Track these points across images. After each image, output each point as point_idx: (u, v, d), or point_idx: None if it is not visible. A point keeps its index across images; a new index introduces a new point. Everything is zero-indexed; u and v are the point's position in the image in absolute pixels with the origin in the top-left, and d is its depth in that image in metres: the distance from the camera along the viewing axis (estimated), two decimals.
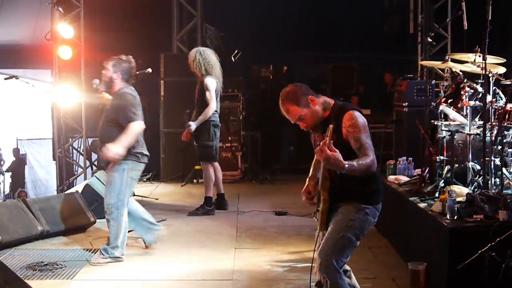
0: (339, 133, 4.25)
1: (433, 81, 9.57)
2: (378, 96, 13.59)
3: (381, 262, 6.59)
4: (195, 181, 11.15)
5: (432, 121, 7.24)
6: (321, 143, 4.02)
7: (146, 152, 6.72)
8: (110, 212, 6.54)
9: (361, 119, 4.31)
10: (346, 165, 4.03)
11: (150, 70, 9.71)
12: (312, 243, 4.64)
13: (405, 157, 7.95)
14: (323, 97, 4.50)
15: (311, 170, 4.68)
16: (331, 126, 4.05)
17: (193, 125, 8.78)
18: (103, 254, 6.60)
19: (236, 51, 12.59)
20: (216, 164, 9.11)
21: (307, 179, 4.63)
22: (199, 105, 8.85)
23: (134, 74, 6.88)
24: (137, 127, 6.46)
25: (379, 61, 14.29)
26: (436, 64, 8.11)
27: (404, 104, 9.56)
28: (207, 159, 8.92)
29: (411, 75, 10.62)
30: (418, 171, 7.57)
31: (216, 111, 8.85)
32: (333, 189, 4.32)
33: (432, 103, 7.38)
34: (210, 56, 8.94)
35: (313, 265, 4.47)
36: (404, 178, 7.51)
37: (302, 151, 12.96)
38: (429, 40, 8.59)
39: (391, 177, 7.71)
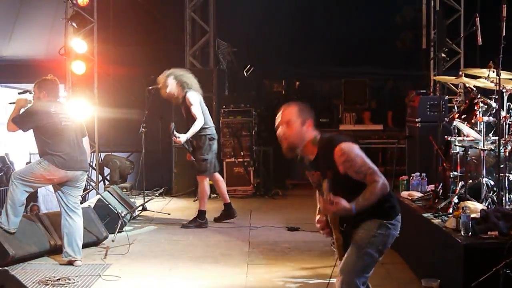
0: (336, 171, 4.22)
1: (446, 97, 9.54)
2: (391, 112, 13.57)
3: (394, 279, 6.54)
4: None
5: (446, 136, 7.22)
6: (322, 202, 4.13)
7: (62, 156, 6.92)
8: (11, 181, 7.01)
9: (350, 149, 4.24)
10: (353, 207, 4.06)
11: None
12: (325, 259, 4.66)
13: (418, 173, 7.92)
14: (317, 133, 4.43)
15: (318, 204, 4.60)
16: (325, 182, 4.16)
17: (182, 137, 8.75)
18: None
19: (248, 66, 12.63)
20: (217, 176, 9.14)
21: (317, 212, 4.61)
22: (189, 122, 8.82)
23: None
24: None
25: (391, 76, 14.28)
26: (450, 79, 8.10)
27: (417, 120, 9.52)
28: (200, 172, 8.93)
29: (424, 91, 10.59)
30: (431, 187, 7.53)
31: (207, 124, 8.82)
32: (346, 220, 4.31)
33: (446, 119, 7.36)
34: (181, 72, 8.99)
35: (330, 281, 4.44)
36: (417, 194, 7.48)
37: None
38: (442, 55, 8.58)
39: (404, 193, 7.67)
